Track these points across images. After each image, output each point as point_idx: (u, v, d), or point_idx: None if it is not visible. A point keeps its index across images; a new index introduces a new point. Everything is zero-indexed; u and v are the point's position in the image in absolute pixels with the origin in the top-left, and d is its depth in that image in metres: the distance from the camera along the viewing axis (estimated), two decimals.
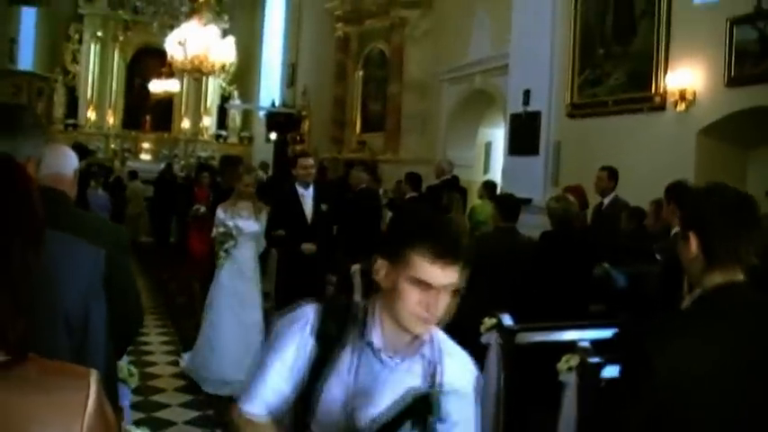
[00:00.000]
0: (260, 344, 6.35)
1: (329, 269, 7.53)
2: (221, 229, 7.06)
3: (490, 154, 14.76)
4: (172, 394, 6.83)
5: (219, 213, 7.19)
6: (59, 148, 3.23)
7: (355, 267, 7.97)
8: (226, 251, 7.05)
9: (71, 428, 1.23)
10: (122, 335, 3.09)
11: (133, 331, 3.27)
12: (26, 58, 20.99)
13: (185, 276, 11.41)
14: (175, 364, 7.77)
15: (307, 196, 7.32)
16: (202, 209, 9.96)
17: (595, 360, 4.53)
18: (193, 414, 6.31)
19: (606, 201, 8.24)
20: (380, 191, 11.51)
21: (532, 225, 7.57)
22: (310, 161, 7.47)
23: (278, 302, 7.28)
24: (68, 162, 3.03)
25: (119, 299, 2.96)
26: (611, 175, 8.26)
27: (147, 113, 24.68)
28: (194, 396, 6.77)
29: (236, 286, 7.08)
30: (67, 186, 3.00)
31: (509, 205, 6.40)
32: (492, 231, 6.69)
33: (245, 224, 7.10)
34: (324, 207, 7.34)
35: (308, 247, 7.15)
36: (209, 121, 25.47)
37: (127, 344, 3.33)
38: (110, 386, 3.09)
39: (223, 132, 25.77)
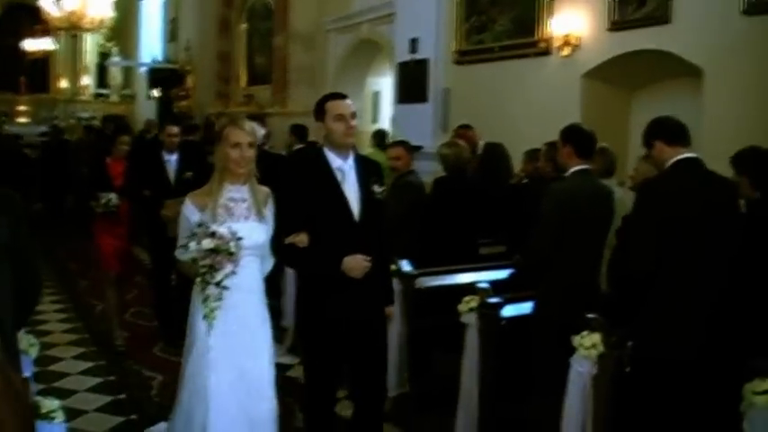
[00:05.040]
0: None
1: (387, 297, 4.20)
2: (205, 244, 3.46)
3: (378, 103, 14.73)
4: (71, 362, 6.59)
5: (190, 213, 3.72)
6: None
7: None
8: (219, 285, 3.52)
9: None
10: (23, 305, 2.94)
11: (33, 301, 3.10)
12: None
13: (97, 277, 8.63)
14: (73, 331, 7.48)
15: (347, 172, 3.90)
16: (113, 199, 6.73)
17: (495, 300, 4.61)
18: (96, 381, 6.12)
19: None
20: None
21: (424, 171, 7.60)
22: (349, 105, 3.90)
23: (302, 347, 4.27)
24: None
25: (20, 268, 2.81)
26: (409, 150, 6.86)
27: (22, 75, 23.55)
28: (95, 362, 6.59)
29: (235, 348, 3.70)
30: None
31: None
32: None
33: (245, 228, 3.65)
34: (378, 189, 3.97)
35: (354, 262, 3.76)
36: (88, 80, 24.62)
37: (28, 314, 3.17)
38: (13, 357, 2.95)
39: (104, 91, 24.93)
